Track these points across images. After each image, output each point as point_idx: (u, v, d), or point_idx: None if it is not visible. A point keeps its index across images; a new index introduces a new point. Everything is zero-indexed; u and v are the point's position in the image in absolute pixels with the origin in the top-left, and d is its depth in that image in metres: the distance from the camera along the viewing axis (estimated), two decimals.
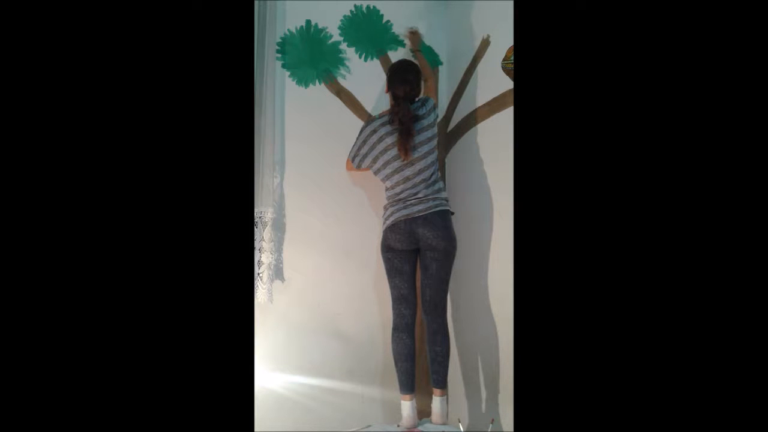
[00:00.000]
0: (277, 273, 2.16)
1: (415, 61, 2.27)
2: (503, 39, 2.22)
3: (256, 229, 2.07)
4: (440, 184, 2.07)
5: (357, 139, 2.13)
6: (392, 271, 2.08)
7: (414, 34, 2.44)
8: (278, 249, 2.17)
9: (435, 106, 2.08)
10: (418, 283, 2.10)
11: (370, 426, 2.08)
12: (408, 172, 2.00)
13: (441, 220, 2.00)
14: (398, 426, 2.02)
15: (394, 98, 2.05)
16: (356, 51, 2.40)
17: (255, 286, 2.05)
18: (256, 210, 2.07)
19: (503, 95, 2.21)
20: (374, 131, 2.05)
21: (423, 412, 2.26)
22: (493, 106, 2.27)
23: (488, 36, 2.33)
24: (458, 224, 2.27)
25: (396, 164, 2.00)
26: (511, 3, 2.01)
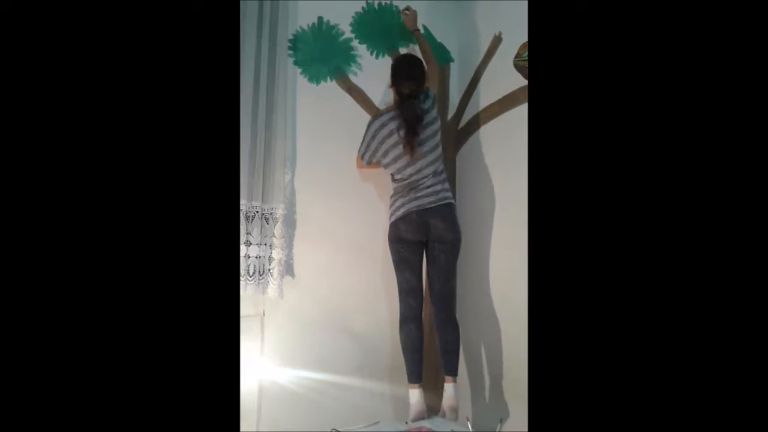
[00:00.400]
0: (288, 269, 2.17)
1: (417, 54, 2.26)
2: (515, 36, 2.22)
3: (267, 225, 2.08)
4: (445, 175, 2.09)
5: (365, 134, 2.13)
6: (401, 263, 2.09)
7: (408, 15, 2.38)
8: (289, 245, 2.18)
9: (435, 97, 2.09)
10: (424, 275, 2.11)
11: (377, 423, 2.08)
12: (420, 164, 2.02)
13: (450, 212, 2.04)
14: (406, 423, 2.03)
15: (399, 95, 2.05)
16: (368, 48, 2.40)
17: (266, 282, 2.06)
18: (267, 206, 2.09)
19: (515, 92, 2.20)
20: (383, 125, 2.05)
21: (430, 408, 2.26)
22: (505, 103, 2.26)
23: (500, 33, 2.32)
24: (469, 221, 2.28)
25: (407, 158, 2.01)
26: (522, 0, 2.00)
